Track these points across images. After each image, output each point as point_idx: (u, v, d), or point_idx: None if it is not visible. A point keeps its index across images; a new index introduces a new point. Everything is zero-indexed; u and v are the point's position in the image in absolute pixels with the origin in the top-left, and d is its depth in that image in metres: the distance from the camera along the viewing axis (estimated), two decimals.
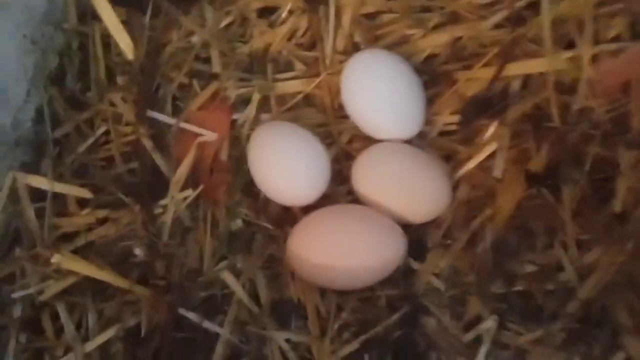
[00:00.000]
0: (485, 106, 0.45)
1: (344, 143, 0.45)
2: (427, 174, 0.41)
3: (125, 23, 0.46)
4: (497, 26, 0.44)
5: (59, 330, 0.40)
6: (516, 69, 0.43)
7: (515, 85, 0.44)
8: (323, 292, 0.41)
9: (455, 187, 0.42)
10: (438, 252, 0.42)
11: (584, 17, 0.41)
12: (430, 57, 0.46)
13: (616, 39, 0.42)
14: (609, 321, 0.37)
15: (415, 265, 0.42)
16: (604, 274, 0.38)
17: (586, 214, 0.40)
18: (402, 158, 0.42)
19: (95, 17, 0.47)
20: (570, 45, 0.42)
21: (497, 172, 0.42)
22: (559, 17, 0.42)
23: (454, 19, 0.45)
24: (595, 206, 0.40)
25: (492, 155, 0.43)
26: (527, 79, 0.44)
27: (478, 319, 0.40)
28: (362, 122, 0.44)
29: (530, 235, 0.41)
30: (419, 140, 0.44)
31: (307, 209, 0.43)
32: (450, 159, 0.44)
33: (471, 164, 0.43)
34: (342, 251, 0.40)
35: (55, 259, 0.38)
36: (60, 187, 0.41)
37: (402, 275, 0.42)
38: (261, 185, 0.43)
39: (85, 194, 0.40)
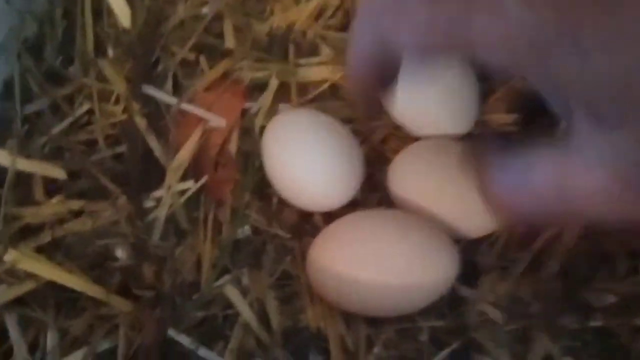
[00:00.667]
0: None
1: (377, 142, 0.38)
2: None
3: None
4: None
5: (7, 353, 0.30)
6: None
7: None
8: (349, 319, 0.33)
9: None
10: (493, 276, 0.34)
11: None
12: None
13: None
14: None
15: (465, 291, 0.34)
16: None
17: None
18: (451, 158, 0.35)
19: None
20: None
21: None
22: None
23: None
24: None
25: None
26: None
27: None
28: (403, 116, 0.36)
29: (608, 258, 0.34)
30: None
31: (332, 217, 0.35)
32: None
33: None
34: (376, 267, 0.31)
35: (10, 256, 0.29)
36: (25, 164, 0.32)
37: (449, 304, 0.33)
38: (276, 185, 0.35)
39: (58, 173, 0.31)
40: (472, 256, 0.34)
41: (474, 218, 0.34)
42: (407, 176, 0.35)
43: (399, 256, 0.31)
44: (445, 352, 0.32)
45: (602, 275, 0.34)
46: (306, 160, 0.34)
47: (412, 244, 0.32)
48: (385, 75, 0.22)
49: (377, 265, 0.31)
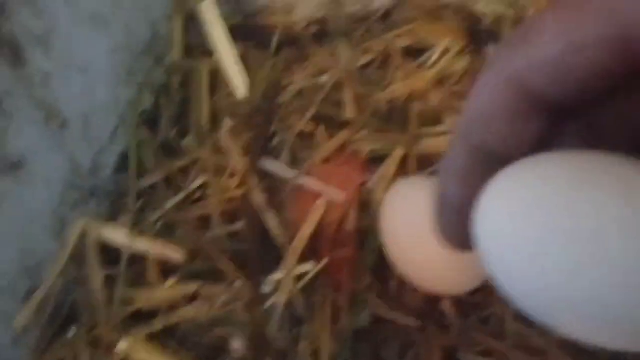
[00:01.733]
0: None
1: None
2: None
3: (242, 58, 0.38)
4: None
5: None
6: None
7: None
8: None
9: None
10: None
11: None
12: None
13: None
14: None
15: None
16: None
17: None
18: None
19: (205, 52, 0.40)
20: None
21: None
22: None
23: None
24: None
25: None
26: None
27: None
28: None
29: None
30: None
31: (462, 302, 0.31)
32: None
33: None
34: None
35: (122, 346, 0.27)
36: (143, 244, 0.30)
37: None
38: (397, 266, 0.31)
39: (176, 253, 0.30)
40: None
41: None
42: None
43: None
44: None
45: None
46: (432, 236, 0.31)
47: None
48: None
49: None
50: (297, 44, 0.39)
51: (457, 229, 0.16)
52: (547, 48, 0.14)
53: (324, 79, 0.38)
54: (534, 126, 0.15)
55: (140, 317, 0.30)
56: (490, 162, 0.15)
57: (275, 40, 0.38)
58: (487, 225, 0.15)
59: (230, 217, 0.34)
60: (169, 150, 0.38)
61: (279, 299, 0.30)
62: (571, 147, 0.16)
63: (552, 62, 0.14)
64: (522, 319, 0.33)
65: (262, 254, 0.31)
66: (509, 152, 0.15)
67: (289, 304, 0.31)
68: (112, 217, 0.35)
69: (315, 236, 0.33)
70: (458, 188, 0.15)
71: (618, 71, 0.14)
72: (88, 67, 0.34)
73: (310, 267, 0.31)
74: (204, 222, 0.34)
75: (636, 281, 0.13)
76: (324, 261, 0.31)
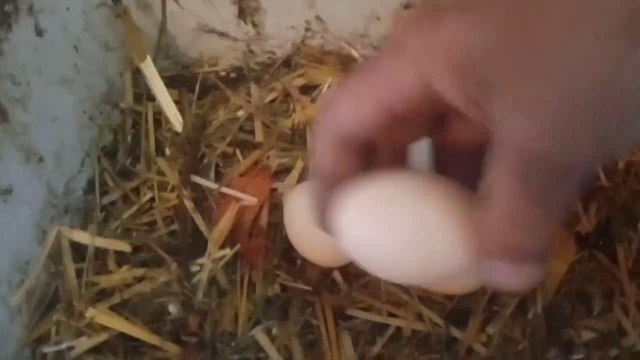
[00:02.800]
0: None
1: None
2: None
3: (176, 102, 0.50)
4: None
5: None
6: None
7: None
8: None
9: None
10: (482, 318, 0.39)
11: None
12: None
13: None
14: None
15: (457, 333, 0.39)
16: None
17: None
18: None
19: (149, 98, 0.51)
20: None
21: None
22: None
23: None
24: None
25: None
26: None
27: None
28: None
29: (586, 300, 0.39)
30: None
31: (350, 273, 0.41)
32: None
33: None
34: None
35: (90, 313, 0.38)
36: (101, 241, 0.41)
37: (444, 343, 0.39)
38: (298, 249, 0.42)
39: (125, 247, 0.41)
40: (464, 302, 0.40)
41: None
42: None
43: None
44: None
45: (581, 314, 0.38)
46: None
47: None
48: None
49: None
50: (219, 88, 0.50)
51: (321, 220, 0.26)
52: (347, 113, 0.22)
53: (240, 113, 0.49)
54: (352, 160, 0.24)
55: (104, 295, 0.41)
56: (332, 182, 0.24)
57: (198, 86, 0.49)
58: (345, 226, 0.25)
59: (170, 221, 0.45)
60: (125, 174, 0.49)
61: (203, 275, 0.41)
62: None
63: (352, 121, 0.22)
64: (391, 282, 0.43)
65: (191, 245, 0.42)
66: (342, 178, 0.24)
67: (214, 280, 0.42)
68: (82, 227, 0.46)
69: (234, 231, 0.44)
70: (318, 195, 0.25)
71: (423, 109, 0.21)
72: (58, 116, 0.45)
73: (228, 252, 0.42)
74: (152, 226, 0.45)
75: (427, 250, 0.24)
76: (238, 246, 0.42)
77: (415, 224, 0.24)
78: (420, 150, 0.27)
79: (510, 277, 0.22)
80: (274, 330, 0.40)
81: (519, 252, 0.21)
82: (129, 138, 0.50)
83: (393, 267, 0.25)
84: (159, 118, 0.50)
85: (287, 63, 0.50)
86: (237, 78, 0.51)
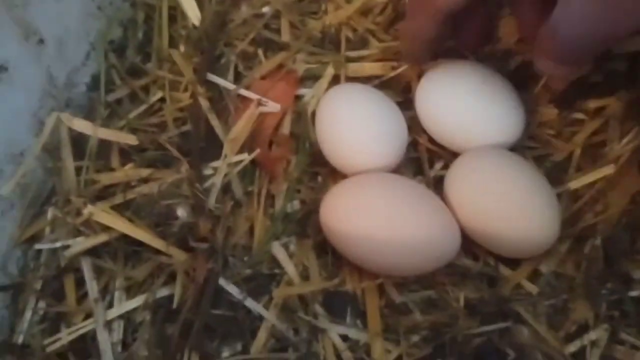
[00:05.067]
0: (588, 89, 0.39)
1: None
2: (536, 196, 0.34)
3: None
4: None
5: (82, 298, 0.34)
6: (626, 45, 0.38)
7: (622, 65, 0.38)
8: (383, 290, 0.35)
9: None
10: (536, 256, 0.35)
11: None
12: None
13: None
14: None
15: (506, 271, 0.35)
16: None
17: None
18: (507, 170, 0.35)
19: None
20: None
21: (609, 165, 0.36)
22: None
23: None
24: None
25: (601, 144, 0.37)
26: (635, 58, 0.38)
27: (584, 329, 0.33)
28: (444, 135, 0.38)
29: None
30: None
31: None
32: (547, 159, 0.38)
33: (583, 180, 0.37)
34: (381, 225, 0.33)
35: (88, 210, 0.34)
36: (104, 133, 0.37)
37: (488, 281, 0.35)
38: (327, 154, 0.38)
39: (131, 140, 0.36)
40: None
41: (529, 242, 0.34)
42: (461, 183, 0.35)
43: (402, 217, 0.33)
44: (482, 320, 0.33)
45: None
46: (355, 127, 0.36)
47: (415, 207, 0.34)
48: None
49: (380, 223, 0.33)
50: None
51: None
52: None
53: (266, 9, 0.44)
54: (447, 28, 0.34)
55: (105, 194, 0.36)
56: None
57: None
58: (332, 222, 0.34)
59: (182, 122, 0.40)
60: (135, 72, 0.44)
61: (217, 179, 0.36)
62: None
63: None
64: None
65: (205, 147, 0.38)
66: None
67: (228, 188, 0.37)
68: None
69: (254, 136, 0.39)
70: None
71: None
72: None
73: (246, 156, 0.38)
74: (161, 127, 0.40)
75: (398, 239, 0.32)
76: (256, 151, 0.38)
77: None
78: None
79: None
80: (292, 247, 0.36)
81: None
82: (140, 34, 0.45)
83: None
84: (174, 14, 0.45)
85: None
86: None
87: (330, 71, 0.41)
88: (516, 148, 0.38)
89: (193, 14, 0.43)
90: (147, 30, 0.45)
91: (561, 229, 0.34)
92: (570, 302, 0.33)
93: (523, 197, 0.34)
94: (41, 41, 0.38)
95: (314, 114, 0.40)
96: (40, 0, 0.38)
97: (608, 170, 0.36)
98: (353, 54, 0.43)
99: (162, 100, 0.42)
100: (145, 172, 0.36)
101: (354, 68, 0.42)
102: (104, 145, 0.38)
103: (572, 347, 0.32)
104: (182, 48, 0.43)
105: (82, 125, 0.36)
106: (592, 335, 0.32)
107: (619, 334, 0.32)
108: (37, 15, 0.38)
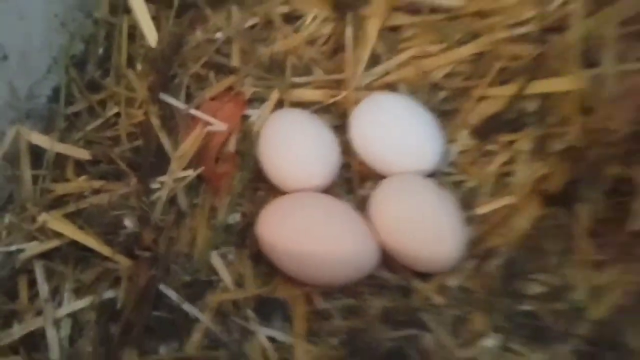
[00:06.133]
0: (502, 125, 0.44)
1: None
2: (447, 219, 0.38)
3: (153, 18, 0.48)
4: (521, 44, 0.44)
5: (34, 297, 0.38)
6: (538, 87, 0.42)
7: (533, 104, 0.43)
8: (309, 297, 0.39)
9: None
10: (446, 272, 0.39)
11: (609, 35, 0.40)
12: (451, 74, 0.45)
13: None
14: (621, 344, 0.34)
15: (418, 284, 0.39)
16: (617, 295, 0.35)
17: (603, 234, 0.38)
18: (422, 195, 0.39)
19: (126, 11, 0.49)
20: (592, 64, 0.41)
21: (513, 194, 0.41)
22: (583, 35, 0.41)
23: (477, 35, 0.45)
24: (612, 226, 0.38)
25: (510, 174, 0.42)
26: (545, 98, 0.43)
27: (480, 337, 0.37)
28: (373, 159, 0.42)
29: (542, 255, 0.39)
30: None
31: None
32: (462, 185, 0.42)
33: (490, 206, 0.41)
34: (308, 239, 0.37)
35: (42, 217, 0.37)
36: (61, 147, 0.40)
37: (402, 292, 0.39)
38: (268, 172, 0.41)
39: (84, 155, 0.39)
40: None
41: (440, 256, 0.38)
42: (384, 206, 0.39)
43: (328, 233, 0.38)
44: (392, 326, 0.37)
45: (535, 269, 0.39)
46: (293, 148, 0.40)
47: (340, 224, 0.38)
48: None
49: (309, 238, 0.37)
50: (199, 7, 0.48)
51: None
52: None
53: (218, 35, 0.47)
54: None
55: (59, 203, 0.40)
56: None
57: (177, 2, 0.47)
58: (267, 234, 0.37)
59: (135, 137, 0.44)
60: (94, 87, 0.47)
61: (163, 193, 0.40)
62: None
63: None
64: None
65: (153, 164, 0.41)
66: None
67: (173, 201, 0.41)
68: (43, 134, 0.44)
69: (201, 154, 0.43)
70: None
71: None
72: (26, 14, 0.43)
73: (191, 172, 0.41)
74: (115, 140, 0.44)
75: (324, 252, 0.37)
76: (201, 168, 0.41)
77: None
78: None
79: None
80: (230, 256, 0.40)
81: None
82: (101, 50, 0.48)
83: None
84: (134, 33, 0.49)
85: None
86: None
87: (275, 95, 0.45)
88: (436, 173, 0.42)
89: (150, 34, 0.47)
90: (107, 46, 0.49)
91: (469, 249, 0.39)
92: (471, 314, 0.38)
93: (435, 219, 0.38)
94: (5, 57, 0.41)
95: (258, 134, 0.43)
96: (4, 17, 0.41)
97: (512, 199, 0.40)
98: (298, 79, 0.46)
99: (118, 115, 0.45)
100: (97, 184, 0.40)
101: (298, 93, 0.46)
102: (61, 157, 0.41)
103: (468, 353, 0.37)
104: (139, 66, 0.46)
105: (39, 140, 0.39)
106: (487, 343, 0.37)
107: (510, 343, 0.37)
108: (2, 31, 0.41)
